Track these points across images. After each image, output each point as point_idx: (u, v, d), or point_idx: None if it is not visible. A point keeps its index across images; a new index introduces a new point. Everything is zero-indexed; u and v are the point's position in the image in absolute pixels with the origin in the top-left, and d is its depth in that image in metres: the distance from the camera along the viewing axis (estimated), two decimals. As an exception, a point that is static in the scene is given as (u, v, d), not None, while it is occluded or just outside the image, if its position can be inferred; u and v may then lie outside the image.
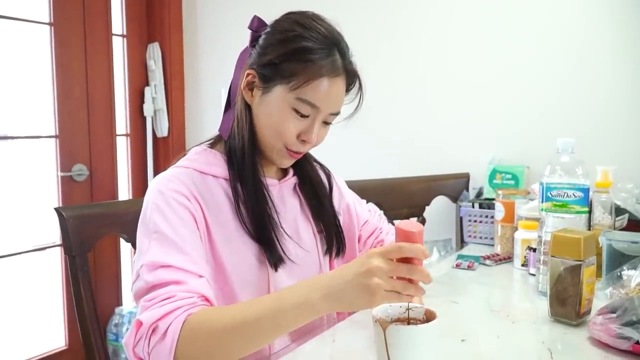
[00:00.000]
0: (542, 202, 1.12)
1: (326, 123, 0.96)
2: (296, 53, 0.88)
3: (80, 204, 2.25)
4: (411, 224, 0.70)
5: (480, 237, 1.67)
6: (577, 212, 1.09)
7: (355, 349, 0.89)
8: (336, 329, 0.96)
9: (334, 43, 0.91)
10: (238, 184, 0.93)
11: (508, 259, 1.45)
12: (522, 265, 1.35)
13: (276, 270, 0.93)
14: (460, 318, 1.02)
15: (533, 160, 1.75)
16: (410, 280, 0.69)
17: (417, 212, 1.78)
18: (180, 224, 0.84)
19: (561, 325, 0.97)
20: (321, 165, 1.14)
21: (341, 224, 1.11)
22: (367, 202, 1.28)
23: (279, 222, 0.95)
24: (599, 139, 1.68)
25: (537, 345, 0.89)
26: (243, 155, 0.94)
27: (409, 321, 0.76)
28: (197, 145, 1.01)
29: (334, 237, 1.06)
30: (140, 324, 0.73)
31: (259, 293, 0.92)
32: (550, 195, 1.10)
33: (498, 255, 1.48)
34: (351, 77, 0.96)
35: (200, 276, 0.81)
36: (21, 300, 2.23)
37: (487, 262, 1.43)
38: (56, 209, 1.06)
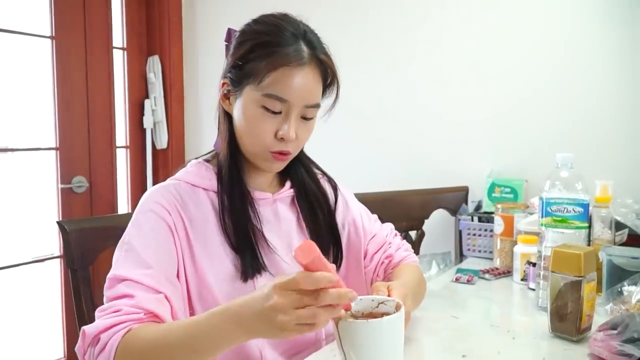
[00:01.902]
0: (542, 217, 1.13)
1: (306, 118, 0.93)
2: (257, 49, 0.88)
3: (80, 215, 2.26)
4: (306, 249, 0.64)
5: (480, 251, 1.68)
6: (577, 228, 1.09)
7: (357, 365, 0.89)
8: (335, 345, 0.96)
9: (297, 34, 0.89)
10: (225, 196, 0.94)
11: (507, 273, 1.45)
12: (522, 279, 1.35)
13: (245, 281, 0.91)
14: (461, 333, 1.02)
15: (532, 173, 1.77)
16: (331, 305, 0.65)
17: (416, 225, 1.78)
18: (152, 237, 0.87)
19: (561, 341, 0.97)
20: (328, 178, 1.13)
21: (344, 238, 1.09)
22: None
23: (263, 233, 0.95)
24: (598, 154, 1.69)
25: (538, 361, 0.89)
26: (226, 166, 0.95)
27: (382, 316, 0.74)
28: (195, 158, 1.02)
29: (329, 252, 1.04)
30: (84, 334, 0.76)
31: None
32: (550, 211, 1.11)
33: (497, 269, 1.48)
34: (323, 67, 0.92)
35: (157, 292, 0.82)
36: (20, 311, 2.21)
37: (487, 276, 1.43)
38: (58, 223, 1.06)
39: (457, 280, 1.39)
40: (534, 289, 1.26)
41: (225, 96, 0.95)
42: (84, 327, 0.77)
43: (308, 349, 0.95)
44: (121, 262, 0.84)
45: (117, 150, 2.45)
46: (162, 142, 2.58)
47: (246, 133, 0.92)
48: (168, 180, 0.97)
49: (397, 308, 0.74)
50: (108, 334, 0.75)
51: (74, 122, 2.25)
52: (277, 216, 1.01)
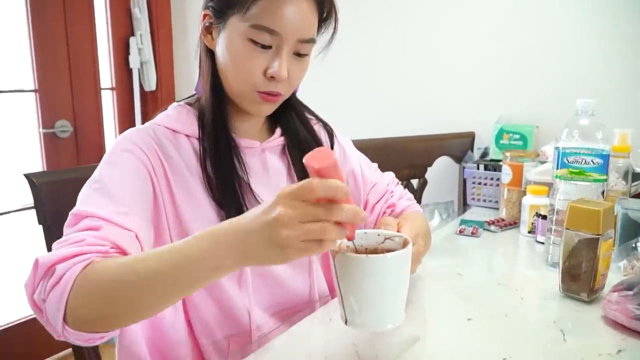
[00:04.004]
0: (557, 168, 1.04)
1: (299, 55, 0.83)
2: None
3: (66, 162, 2.17)
4: (321, 154, 0.55)
5: (484, 200, 1.60)
6: (595, 180, 1.01)
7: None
8: (332, 307, 0.89)
9: None
10: (207, 144, 0.85)
11: (514, 224, 1.38)
12: (529, 232, 1.28)
13: None
14: (466, 293, 0.96)
15: (543, 119, 1.66)
16: (339, 223, 0.56)
17: (418, 173, 1.70)
18: (127, 176, 0.77)
19: (572, 301, 0.90)
20: (323, 123, 1.04)
21: None
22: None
23: (250, 186, 0.86)
24: (615, 100, 1.57)
25: (548, 326, 0.82)
26: (209, 110, 0.85)
27: (387, 252, 0.67)
28: (177, 102, 0.92)
29: None
30: (36, 264, 0.64)
31: None
32: (567, 162, 1.02)
33: (503, 220, 1.41)
34: None
35: (126, 229, 0.71)
36: (5, 262, 2.16)
37: (492, 227, 1.35)
38: (26, 176, 0.97)
39: (460, 232, 1.32)
40: (542, 243, 1.20)
41: (207, 30, 0.86)
42: (38, 257, 0.64)
43: (301, 312, 0.89)
44: (88, 200, 0.73)
45: (103, 92, 2.32)
46: (151, 84, 2.45)
47: (231, 71, 0.82)
48: (147, 124, 0.87)
49: (405, 245, 0.67)
50: (65, 265, 0.62)
51: (53, 62, 2.11)
52: (266, 167, 0.92)
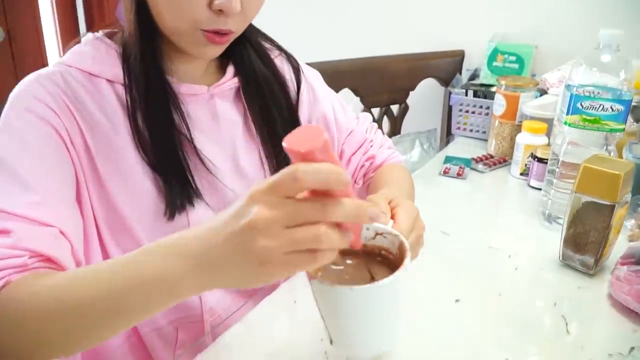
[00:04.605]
0: (568, 114, 0.87)
1: None
2: None
3: (0, 72, 1.89)
4: (306, 134, 0.39)
5: (471, 130, 1.43)
6: (611, 130, 0.85)
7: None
8: (296, 285, 0.76)
9: None
10: (135, 91, 0.65)
11: (504, 162, 1.24)
12: (522, 174, 1.15)
13: (172, 217, 0.66)
14: (453, 262, 0.83)
15: (543, 37, 1.45)
16: (338, 225, 0.41)
17: (399, 97, 1.51)
18: (34, 148, 0.59)
19: (573, 273, 0.79)
20: (287, 55, 0.84)
21: None
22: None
23: (194, 144, 0.68)
24: (631, 20, 1.37)
25: (548, 309, 0.71)
26: (136, 48, 0.64)
27: (380, 254, 0.55)
28: (95, 32, 0.70)
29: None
30: None
31: None
32: (581, 107, 0.85)
33: (492, 157, 1.26)
34: None
35: (46, 224, 0.55)
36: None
37: (480, 167, 1.21)
38: None
39: (445, 173, 1.18)
40: (535, 188, 1.08)
41: None
42: None
43: (262, 290, 0.75)
44: None
45: (36, -12, 1.99)
46: (93, -22, 2.11)
47: (164, 3, 0.61)
48: (52, 66, 0.66)
49: (401, 250, 0.52)
50: None
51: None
52: (216, 117, 0.73)
